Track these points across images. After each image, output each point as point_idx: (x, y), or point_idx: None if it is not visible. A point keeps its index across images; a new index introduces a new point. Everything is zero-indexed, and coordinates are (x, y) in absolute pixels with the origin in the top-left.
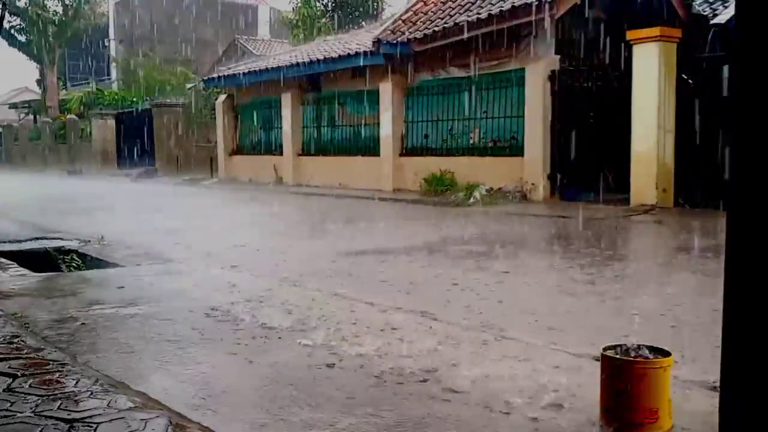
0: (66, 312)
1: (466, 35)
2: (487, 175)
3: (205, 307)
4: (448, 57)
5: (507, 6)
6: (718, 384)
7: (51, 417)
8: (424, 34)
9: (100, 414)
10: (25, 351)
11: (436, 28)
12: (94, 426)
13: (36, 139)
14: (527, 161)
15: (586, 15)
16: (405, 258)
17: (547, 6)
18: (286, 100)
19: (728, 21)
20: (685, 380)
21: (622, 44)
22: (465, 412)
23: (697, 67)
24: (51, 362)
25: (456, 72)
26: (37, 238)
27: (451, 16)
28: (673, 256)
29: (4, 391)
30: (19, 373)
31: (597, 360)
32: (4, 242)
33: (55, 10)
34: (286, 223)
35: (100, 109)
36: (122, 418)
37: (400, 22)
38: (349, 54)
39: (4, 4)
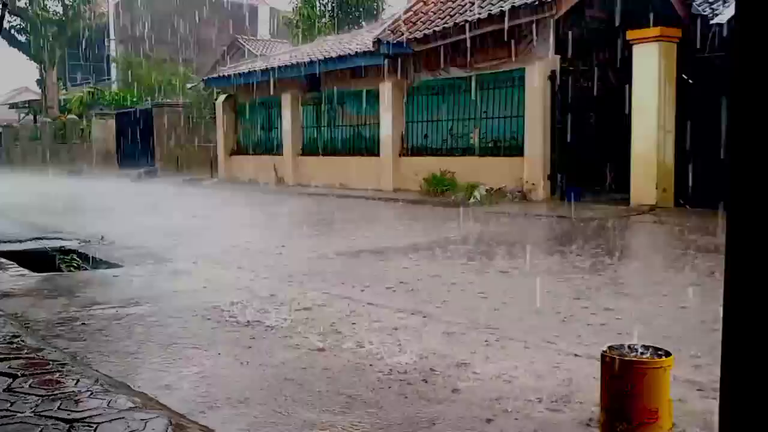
0: (66, 312)
1: (466, 35)
2: (487, 175)
3: (206, 307)
4: (448, 57)
5: (507, 6)
6: (718, 384)
7: (51, 417)
8: (424, 34)
9: (100, 414)
10: (25, 351)
11: (436, 28)
12: (94, 426)
13: (36, 139)
14: (527, 161)
15: (586, 15)
16: (405, 258)
17: (547, 6)
18: (286, 100)
19: (728, 21)
20: (686, 380)
21: (622, 44)
22: (465, 412)
23: (697, 67)
24: (51, 362)
25: (456, 72)
26: (37, 238)
27: (451, 16)
28: (673, 256)
29: (4, 391)
30: (19, 373)
31: (597, 360)
32: (5, 242)
33: (55, 10)
34: (286, 223)
35: (101, 109)
36: (122, 418)
37: (400, 22)
38: (349, 54)
39: (4, 4)
